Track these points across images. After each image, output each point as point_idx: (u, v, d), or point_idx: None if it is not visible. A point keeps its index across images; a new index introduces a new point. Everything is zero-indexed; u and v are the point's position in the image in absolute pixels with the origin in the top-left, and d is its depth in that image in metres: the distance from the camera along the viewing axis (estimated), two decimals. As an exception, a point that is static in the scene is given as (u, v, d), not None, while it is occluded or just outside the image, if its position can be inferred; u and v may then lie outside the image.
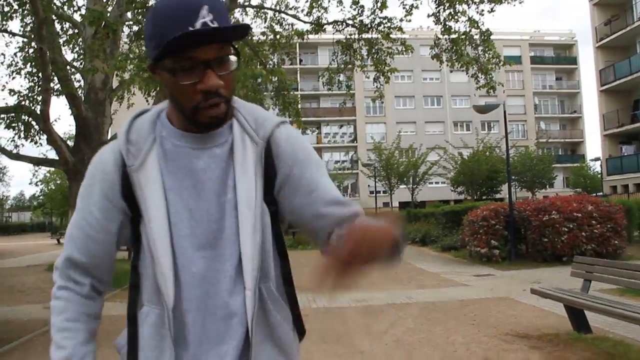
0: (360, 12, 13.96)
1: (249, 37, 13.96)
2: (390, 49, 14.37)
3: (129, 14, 13.37)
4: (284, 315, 1.31)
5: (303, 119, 17.26)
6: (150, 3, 10.44)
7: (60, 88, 13.56)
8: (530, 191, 37.66)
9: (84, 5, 14.17)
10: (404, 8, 13.74)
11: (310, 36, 15.31)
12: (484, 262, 13.25)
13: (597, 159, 39.81)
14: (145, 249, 1.24)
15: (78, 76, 15.96)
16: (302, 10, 14.92)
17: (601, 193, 33.08)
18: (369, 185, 44.67)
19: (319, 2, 14.37)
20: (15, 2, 14.17)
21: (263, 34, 16.04)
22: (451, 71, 15.02)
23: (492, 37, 13.15)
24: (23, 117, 15.89)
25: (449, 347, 5.62)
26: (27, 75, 16.54)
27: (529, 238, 13.24)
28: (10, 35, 16.47)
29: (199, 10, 1.13)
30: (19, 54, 16.72)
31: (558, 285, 6.99)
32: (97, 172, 1.30)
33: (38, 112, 13.74)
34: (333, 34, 15.12)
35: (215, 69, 1.16)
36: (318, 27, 14.72)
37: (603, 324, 6.12)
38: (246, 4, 15.42)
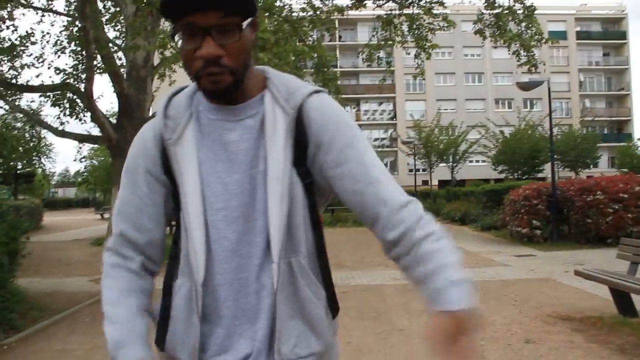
0: (401, -14, 13.69)
1: (289, 13, 13.90)
2: (431, 24, 14.08)
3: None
4: (314, 291, 1.27)
5: (342, 96, 17.14)
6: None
7: (103, 66, 13.78)
8: (574, 171, 36.75)
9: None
10: (446, -18, 13.43)
11: (350, 12, 15.09)
12: (525, 243, 13.07)
13: (645, 138, 38.52)
14: (182, 223, 1.25)
15: (120, 54, 16.20)
16: (343, -15, 14.74)
17: (649, 173, 32.06)
18: (408, 163, 44.20)
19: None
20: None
21: (303, 9, 15.91)
22: (495, 47, 14.62)
23: (536, 12, 12.77)
24: (68, 95, 16.26)
25: (489, 328, 5.57)
26: (72, 54, 16.90)
27: (571, 219, 12.98)
28: (55, 15, 16.80)
29: None
30: (63, 33, 17.07)
31: (602, 268, 6.82)
32: (139, 149, 1.32)
33: (82, 89, 14.01)
34: (373, 9, 14.89)
35: (216, 37, 1.14)
36: (358, 2, 14.51)
37: (650, 308, 5.97)
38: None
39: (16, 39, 15.50)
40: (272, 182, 1.22)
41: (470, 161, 37.71)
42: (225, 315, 1.23)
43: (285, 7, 14.05)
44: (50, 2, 16.22)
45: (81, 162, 46.03)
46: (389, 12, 14.58)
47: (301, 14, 15.93)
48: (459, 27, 19.87)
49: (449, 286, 1.15)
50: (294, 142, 1.25)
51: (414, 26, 14.10)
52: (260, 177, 1.24)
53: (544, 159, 29.56)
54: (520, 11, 12.81)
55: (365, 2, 14.56)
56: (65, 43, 16.99)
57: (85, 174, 48.42)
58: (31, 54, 19.66)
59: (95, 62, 13.31)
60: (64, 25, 17.34)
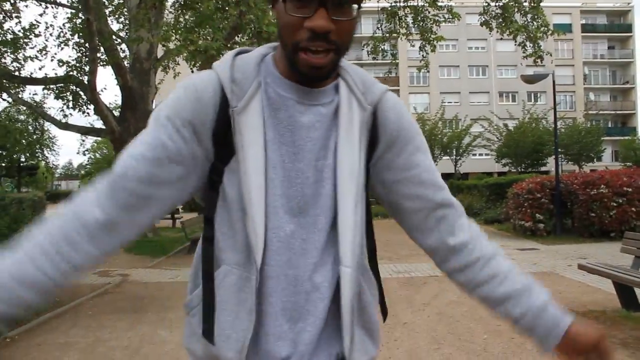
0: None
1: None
2: (436, 16, 14.03)
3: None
4: (373, 294, 1.23)
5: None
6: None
7: (106, 58, 13.78)
8: (577, 164, 36.67)
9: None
10: (451, -26, 13.38)
11: (355, 4, 15.06)
12: (528, 236, 13.06)
13: (649, 132, 38.40)
14: (233, 203, 1.11)
15: (124, 46, 16.19)
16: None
17: (653, 167, 31.95)
18: (411, 157, 44.17)
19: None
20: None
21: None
22: (501, 38, 14.55)
23: (541, 4, 12.73)
24: (71, 87, 16.26)
25: (492, 321, 5.56)
26: (75, 46, 16.88)
27: (575, 212, 12.95)
28: (58, 7, 16.78)
29: None
30: (67, 25, 17.06)
31: (605, 262, 6.81)
32: (189, 100, 1.10)
33: (85, 82, 14.02)
34: (378, 1, 14.84)
35: (331, 10, 1.03)
36: (363, -6, 14.47)
37: (653, 302, 5.96)
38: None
39: (19, 31, 15.53)
40: (346, 180, 1.13)
41: (474, 154, 37.60)
42: (267, 311, 1.12)
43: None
44: (53, -6, 16.21)
45: (84, 154, 46.27)
46: (393, 4, 14.52)
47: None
48: (464, 19, 19.81)
49: (550, 304, 1.20)
50: (368, 139, 1.18)
51: (419, 18, 14.05)
52: (328, 171, 1.14)
53: (548, 152, 29.52)
54: (527, 3, 12.77)
55: (369, -6, 14.48)
56: (68, 35, 16.99)
57: (88, 166, 48.57)
58: (34, 46, 19.64)
59: (98, 55, 13.31)
60: (67, 17, 17.34)
